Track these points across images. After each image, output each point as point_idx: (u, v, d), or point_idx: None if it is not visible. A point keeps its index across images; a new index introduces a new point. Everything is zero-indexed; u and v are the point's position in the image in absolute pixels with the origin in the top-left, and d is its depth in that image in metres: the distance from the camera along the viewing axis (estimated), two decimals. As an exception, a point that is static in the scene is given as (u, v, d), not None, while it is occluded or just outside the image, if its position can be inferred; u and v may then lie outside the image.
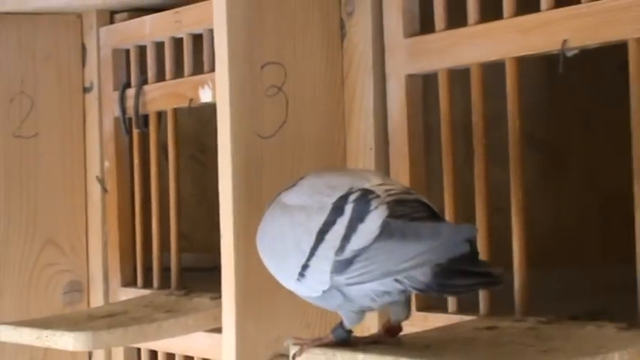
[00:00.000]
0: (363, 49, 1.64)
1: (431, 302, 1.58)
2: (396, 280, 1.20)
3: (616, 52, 1.37)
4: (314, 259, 1.24)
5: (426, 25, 1.60)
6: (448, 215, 1.54)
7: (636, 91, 1.31)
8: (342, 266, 1.22)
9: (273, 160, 1.61)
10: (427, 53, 1.57)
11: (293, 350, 1.31)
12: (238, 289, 1.58)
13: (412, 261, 1.17)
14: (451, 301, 1.54)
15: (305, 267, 1.26)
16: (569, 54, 1.39)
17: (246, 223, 1.58)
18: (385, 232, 1.19)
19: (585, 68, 1.79)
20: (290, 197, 1.32)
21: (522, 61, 1.47)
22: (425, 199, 1.26)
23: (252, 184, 1.60)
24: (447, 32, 1.54)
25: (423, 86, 1.62)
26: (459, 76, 1.56)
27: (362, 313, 1.28)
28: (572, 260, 1.90)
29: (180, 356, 2.04)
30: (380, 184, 1.26)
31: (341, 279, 1.22)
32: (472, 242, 1.18)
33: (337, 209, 1.24)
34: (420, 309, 1.54)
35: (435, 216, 1.25)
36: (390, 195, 1.23)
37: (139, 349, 2.16)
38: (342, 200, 1.24)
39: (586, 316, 1.45)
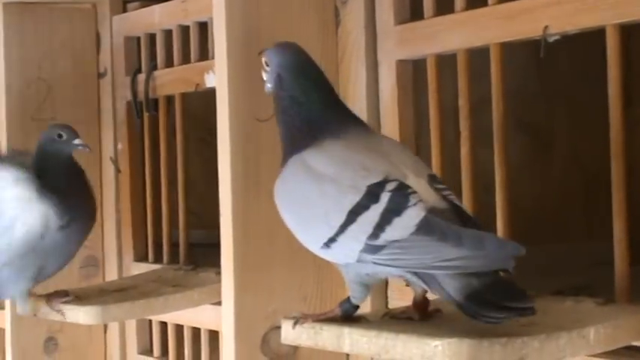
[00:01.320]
0: (356, 36, 1.61)
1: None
2: (425, 281, 1.16)
3: (601, 38, 1.33)
4: (342, 237, 1.19)
5: (416, 13, 1.56)
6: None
7: (613, 77, 1.28)
8: (373, 250, 1.17)
9: (269, 142, 1.58)
10: (416, 39, 1.54)
11: (285, 324, 1.28)
12: (237, 265, 1.57)
13: (452, 262, 1.12)
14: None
15: (332, 240, 1.20)
16: (551, 40, 1.36)
17: (244, 201, 1.56)
18: (423, 229, 1.14)
19: (572, 54, 1.76)
20: (318, 162, 1.24)
21: (510, 47, 1.43)
22: (459, 204, 1.21)
23: (249, 165, 1.58)
24: (435, 19, 1.51)
25: (417, 71, 1.59)
26: (451, 61, 1.52)
27: (368, 288, 1.23)
28: (557, 237, 1.87)
29: (187, 327, 2.02)
30: (416, 185, 1.19)
31: (370, 258, 1.18)
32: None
33: (372, 194, 1.18)
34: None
35: (468, 222, 1.19)
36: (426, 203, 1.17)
37: (150, 321, 2.15)
38: (378, 187, 1.18)
39: (570, 291, 1.42)
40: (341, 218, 1.19)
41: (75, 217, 1.75)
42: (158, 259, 2.10)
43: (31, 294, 1.77)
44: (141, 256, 2.16)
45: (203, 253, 2.05)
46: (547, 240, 1.83)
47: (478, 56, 1.49)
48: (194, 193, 2.19)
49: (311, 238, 1.24)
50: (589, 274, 1.62)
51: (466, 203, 1.47)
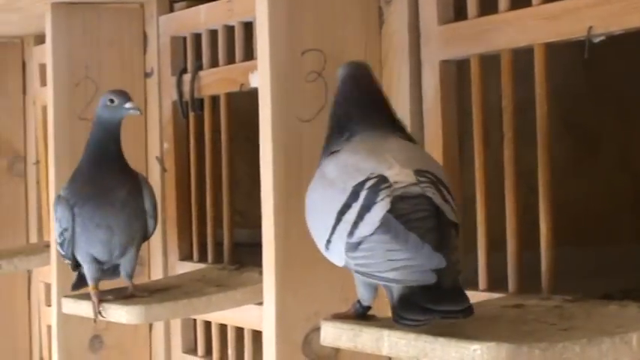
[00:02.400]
0: (400, 36, 1.60)
1: (462, 280, 1.54)
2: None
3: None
4: (334, 237, 1.24)
5: (460, 13, 1.55)
6: (479, 196, 1.50)
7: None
8: (351, 248, 1.21)
9: (312, 143, 1.58)
10: (460, 39, 1.53)
11: (325, 325, 1.28)
12: (278, 265, 1.57)
13: (397, 272, 1.15)
14: (482, 279, 1.50)
15: (328, 241, 1.25)
16: (596, 40, 1.35)
17: (285, 202, 1.56)
18: (383, 226, 1.18)
19: (620, 53, 1.74)
20: (329, 168, 1.30)
21: (555, 47, 1.42)
22: (430, 193, 1.21)
23: (291, 165, 1.58)
24: (479, 19, 1.50)
25: (460, 71, 1.58)
26: (495, 61, 1.51)
27: (375, 288, 1.26)
28: (605, 239, 1.85)
29: (231, 327, 2.03)
30: (397, 173, 1.22)
31: (351, 262, 1.21)
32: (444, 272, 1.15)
33: (354, 194, 1.22)
34: (452, 286, 1.50)
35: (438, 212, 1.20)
36: (396, 189, 1.20)
37: (194, 320, 2.16)
38: (360, 186, 1.22)
39: (618, 294, 1.40)
40: (332, 219, 1.23)
41: (86, 198, 1.78)
42: (203, 258, 2.11)
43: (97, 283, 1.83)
44: (186, 256, 2.16)
45: (248, 253, 2.05)
46: (595, 242, 1.81)
47: (522, 56, 1.47)
48: (239, 192, 2.19)
49: (318, 241, 1.29)
50: (638, 277, 1.60)
51: (510, 205, 1.46)
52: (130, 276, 1.84)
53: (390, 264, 1.16)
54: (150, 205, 1.83)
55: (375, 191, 1.20)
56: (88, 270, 1.83)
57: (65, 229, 1.81)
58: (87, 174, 1.80)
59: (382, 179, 1.21)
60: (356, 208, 1.20)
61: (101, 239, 1.80)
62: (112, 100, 1.78)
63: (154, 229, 1.87)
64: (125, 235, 1.81)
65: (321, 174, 1.30)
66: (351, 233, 1.20)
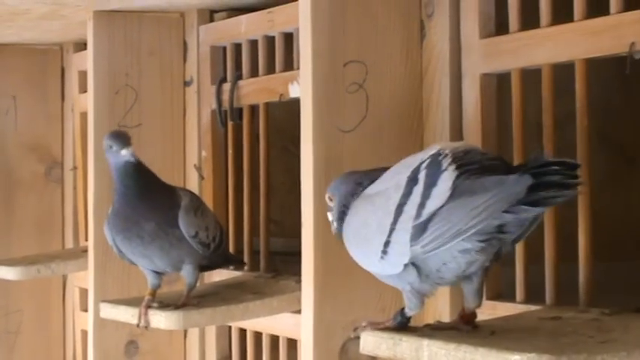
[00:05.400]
0: (441, 49, 1.62)
1: (500, 292, 1.55)
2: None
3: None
4: (394, 234, 1.25)
5: (500, 27, 1.57)
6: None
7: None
8: (418, 232, 1.22)
9: (353, 153, 1.61)
10: (501, 53, 1.55)
11: (364, 334, 1.30)
12: (317, 274, 1.59)
13: (479, 216, 1.17)
14: (519, 291, 1.52)
15: (387, 243, 1.26)
16: (638, 56, 1.36)
17: (325, 211, 1.57)
18: (456, 192, 1.20)
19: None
20: (372, 188, 1.33)
21: (596, 62, 1.43)
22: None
23: (332, 176, 1.58)
24: (520, 34, 1.52)
25: (501, 84, 1.60)
26: (536, 76, 1.53)
27: (423, 299, 1.28)
28: (640, 254, 1.86)
29: (266, 335, 2.05)
30: (446, 147, 1.26)
31: (418, 248, 1.22)
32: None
33: (412, 181, 1.24)
34: (489, 298, 1.52)
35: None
36: (457, 150, 1.24)
37: (229, 327, 2.18)
38: (415, 171, 1.25)
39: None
40: (390, 217, 1.25)
41: (116, 231, 1.81)
42: (239, 266, 2.13)
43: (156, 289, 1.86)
44: (222, 263, 2.18)
45: (283, 262, 2.07)
46: (631, 256, 1.82)
47: (562, 71, 1.49)
48: (275, 201, 2.21)
49: (370, 254, 1.30)
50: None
51: (547, 218, 1.47)
52: (191, 287, 1.83)
53: (471, 215, 1.17)
54: (189, 232, 1.79)
55: (435, 164, 1.23)
56: (147, 276, 1.86)
57: (112, 246, 1.86)
58: (117, 207, 1.80)
59: (437, 154, 1.24)
60: (418, 190, 1.22)
61: (143, 263, 1.84)
62: (110, 146, 1.77)
63: (211, 250, 1.84)
64: (165, 261, 1.82)
65: (363, 198, 1.33)
66: (417, 215, 1.21)
